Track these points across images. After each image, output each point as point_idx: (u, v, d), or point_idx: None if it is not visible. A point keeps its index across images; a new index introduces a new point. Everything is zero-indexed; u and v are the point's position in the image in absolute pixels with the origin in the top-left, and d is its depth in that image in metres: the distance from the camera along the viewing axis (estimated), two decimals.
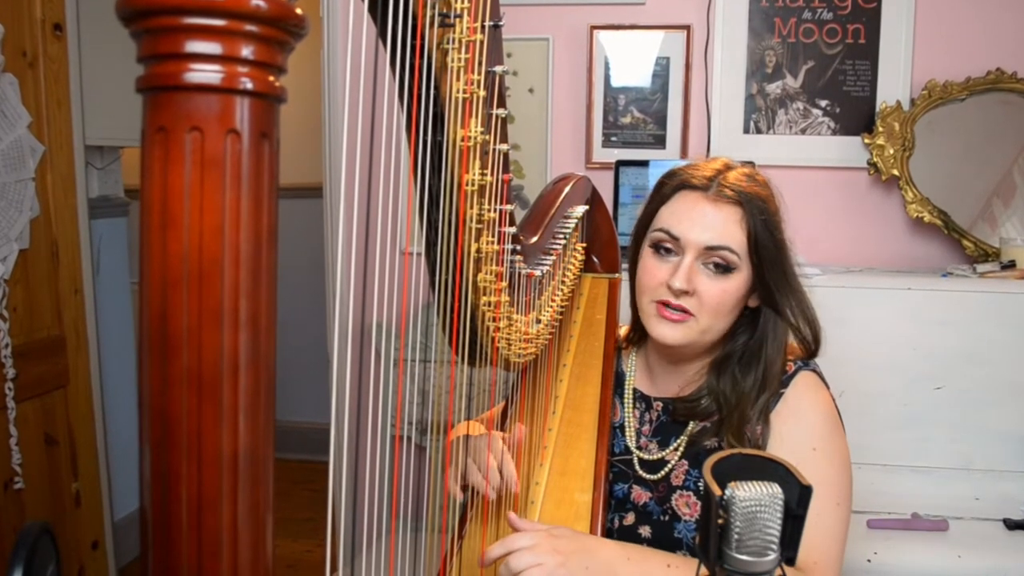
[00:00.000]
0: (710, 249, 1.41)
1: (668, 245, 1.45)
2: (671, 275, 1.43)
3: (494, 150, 1.21)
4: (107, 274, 3.37)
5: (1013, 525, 2.27)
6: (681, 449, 1.50)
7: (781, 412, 1.45)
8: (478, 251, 1.23)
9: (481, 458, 1.42)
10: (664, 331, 1.46)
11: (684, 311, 1.43)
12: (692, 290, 1.42)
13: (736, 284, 1.43)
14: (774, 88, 2.93)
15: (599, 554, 1.32)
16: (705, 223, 1.41)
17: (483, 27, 1.10)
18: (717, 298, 1.42)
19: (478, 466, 1.42)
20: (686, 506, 1.46)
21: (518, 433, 1.46)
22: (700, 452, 1.47)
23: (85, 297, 3.01)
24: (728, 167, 1.47)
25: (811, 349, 1.51)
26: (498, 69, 1.18)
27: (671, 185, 1.48)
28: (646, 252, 1.49)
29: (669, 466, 1.50)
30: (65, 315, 2.91)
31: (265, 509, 0.63)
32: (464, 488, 1.48)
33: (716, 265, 1.42)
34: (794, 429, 1.43)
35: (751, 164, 1.59)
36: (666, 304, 1.45)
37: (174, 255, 0.58)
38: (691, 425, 1.51)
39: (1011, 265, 2.54)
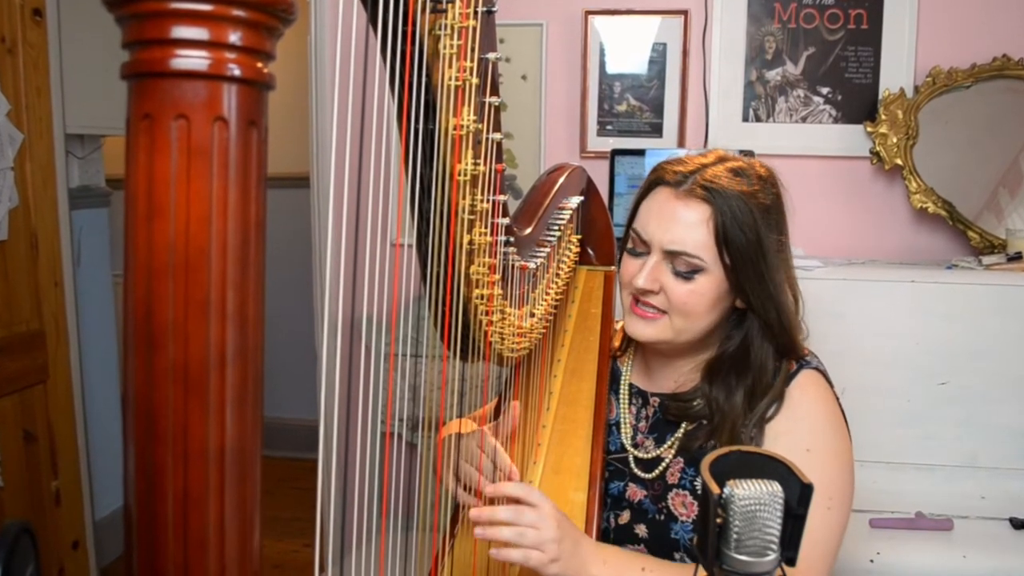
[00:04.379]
0: (671, 253, 1.40)
1: (638, 247, 1.46)
2: (638, 273, 1.43)
3: (487, 139, 1.20)
4: (88, 266, 3.34)
5: (1020, 524, 2.26)
6: (676, 447, 1.49)
7: (780, 415, 1.43)
8: (470, 243, 1.22)
9: (474, 459, 1.40)
10: (636, 329, 1.47)
11: (656, 309, 1.44)
12: (657, 289, 1.42)
13: (704, 285, 1.40)
14: (774, 75, 2.91)
15: (579, 551, 1.31)
16: (670, 225, 1.40)
17: (476, 13, 1.09)
18: (683, 298, 1.41)
19: (471, 463, 1.41)
20: (682, 506, 1.45)
21: (512, 416, 1.45)
22: (695, 452, 1.45)
23: (65, 290, 2.99)
24: (720, 160, 1.45)
25: (787, 357, 1.47)
26: (491, 56, 1.16)
27: (650, 180, 1.48)
28: (625, 248, 1.50)
29: (664, 463, 1.49)
30: (45, 308, 2.90)
31: (252, 506, 0.63)
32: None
33: (680, 267, 1.41)
34: (790, 429, 1.41)
35: (750, 153, 1.57)
36: (638, 300, 1.45)
37: (160, 245, 0.58)
38: (684, 423, 1.49)
39: (1017, 257, 2.51)
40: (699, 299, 1.40)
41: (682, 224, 1.39)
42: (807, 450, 1.38)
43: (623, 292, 1.50)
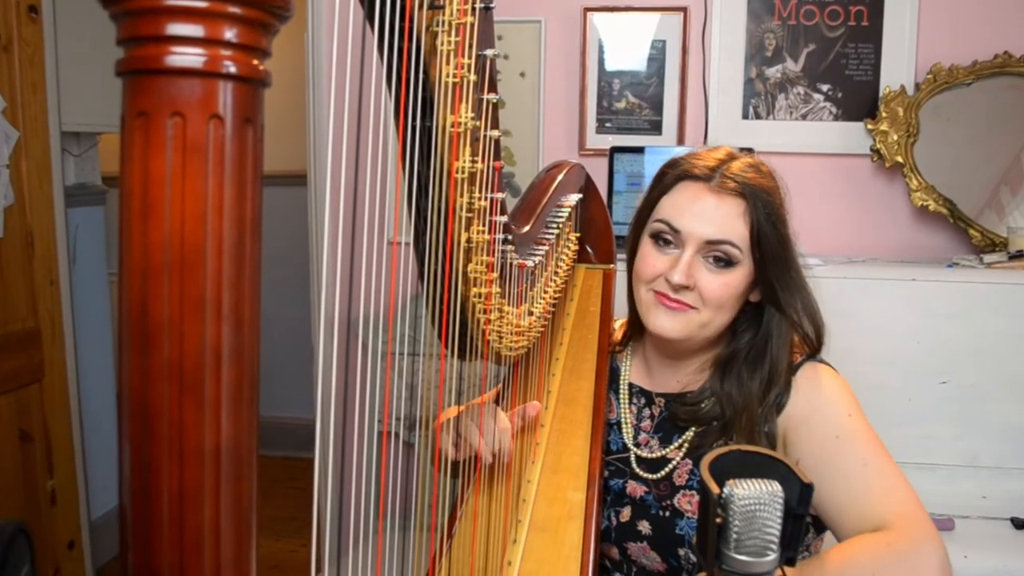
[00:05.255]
0: (711, 243, 1.39)
1: (668, 237, 1.43)
2: (670, 268, 1.41)
3: (485, 136, 1.18)
4: (84, 264, 3.33)
5: (1021, 524, 2.26)
6: (684, 448, 1.47)
7: (798, 399, 1.42)
8: (468, 241, 1.20)
9: (483, 423, 1.40)
10: (663, 323, 1.43)
11: (684, 304, 1.41)
12: (692, 285, 1.40)
13: (737, 278, 1.40)
14: (774, 72, 2.90)
15: None
16: (707, 216, 1.39)
17: (474, 9, 1.08)
18: (718, 292, 1.40)
19: (475, 426, 1.40)
20: (689, 504, 1.44)
21: (532, 411, 1.45)
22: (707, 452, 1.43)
23: (61, 288, 2.97)
24: (732, 156, 1.45)
25: (814, 347, 1.48)
26: (489, 53, 1.15)
27: (673, 175, 1.46)
28: (646, 241, 1.47)
29: (671, 465, 1.47)
30: (40, 307, 2.88)
31: (248, 505, 0.63)
32: (455, 474, 1.46)
33: (716, 259, 1.40)
34: (824, 405, 1.41)
35: (750, 151, 1.57)
36: (664, 296, 1.43)
37: (155, 243, 0.57)
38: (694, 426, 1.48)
39: (1019, 255, 2.50)
40: (731, 292, 1.40)
41: (721, 216, 1.38)
42: (849, 415, 1.38)
43: (640, 287, 1.47)
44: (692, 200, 1.41)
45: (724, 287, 1.39)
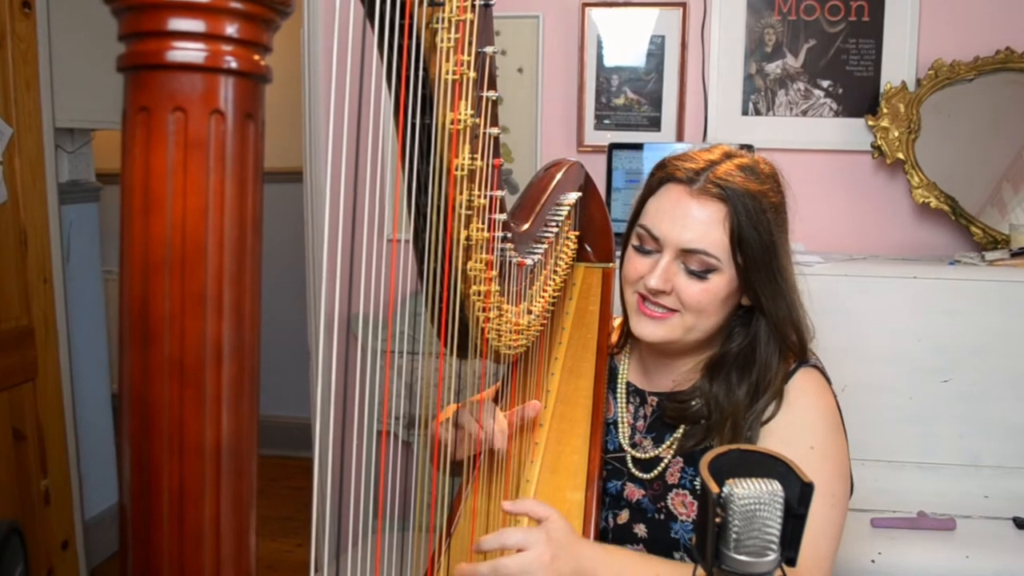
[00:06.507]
0: (687, 252, 1.39)
1: (648, 244, 1.44)
2: (649, 272, 1.41)
3: (484, 134, 1.19)
4: (77, 262, 3.30)
5: (1023, 524, 2.21)
6: (675, 447, 1.48)
7: (778, 414, 1.42)
8: (467, 238, 1.21)
9: (482, 420, 1.42)
10: (644, 329, 1.45)
11: (665, 308, 1.42)
12: (669, 289, 1.40)
13: (717, 284, 1.40)
14: (774, 68, 2.88)
15: (583, 562, 1.28)
16: (685, 222, 1.39)
17: (473, 6, 1.09)
18: (696, 297, 1.40)
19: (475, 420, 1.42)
20: (682, 505, 1.44)
21: (532, 411, 1.46)
22: (694, 451, 1.45)
23: (54, 286, 2.96)
24: (727, 156, 1.44)
25: (798, 356, 1.47)
26: (489, 50, 1.16)
27: (659, 177, 1.46)
28: (631, 245, 1.48)
29: (663, 463, 1.48)
30: (34, 305, 2.86)
31: (248, 502, 0.64)
32: (455, 473, 1.48)
33: (694, 267, 1.39)
34: (790, 425, 1.41)
35: (750, 148, 1.55)
36: (645, 299, 1.44)
37: (156, 239, 0.58)
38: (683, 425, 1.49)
39: (1021, 252, 2.49)
40: (712, 298, 1.39)
41: (698, 223, 1.37)
42: (811, 447, 1.37)
43: (627, 289, 1.48)
44: (673, 205, 1.40)
45: (703, 292, 1.39)
